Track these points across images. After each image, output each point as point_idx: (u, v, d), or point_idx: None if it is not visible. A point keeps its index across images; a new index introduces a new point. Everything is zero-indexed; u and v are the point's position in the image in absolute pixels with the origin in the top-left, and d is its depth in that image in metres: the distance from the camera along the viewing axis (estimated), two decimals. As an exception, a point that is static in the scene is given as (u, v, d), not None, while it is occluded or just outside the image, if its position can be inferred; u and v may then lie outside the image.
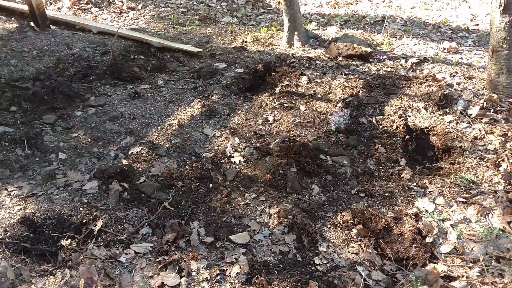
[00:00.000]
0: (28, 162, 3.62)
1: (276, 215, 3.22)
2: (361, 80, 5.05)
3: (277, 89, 4.90)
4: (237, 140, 4.09)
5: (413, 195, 3.54)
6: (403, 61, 5.57)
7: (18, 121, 4.09)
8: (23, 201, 3.20)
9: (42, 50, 5.59)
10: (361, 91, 4.81)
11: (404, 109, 4.55)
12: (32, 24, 6.37)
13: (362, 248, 3.00)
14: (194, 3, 8.03)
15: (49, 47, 5.69)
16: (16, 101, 4.36)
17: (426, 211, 3.37)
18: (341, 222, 3.22)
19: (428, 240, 3.07)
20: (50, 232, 3.00)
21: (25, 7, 6.58)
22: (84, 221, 3.06)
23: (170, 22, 7.07)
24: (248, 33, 6.64)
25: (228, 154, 3.90)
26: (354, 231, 3.13)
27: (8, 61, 5.19)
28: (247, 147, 3.99)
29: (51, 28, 6.36)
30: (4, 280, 2.58)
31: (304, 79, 5.10)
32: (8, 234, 2.89)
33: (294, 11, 5.97)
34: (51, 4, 7.42)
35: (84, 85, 4.84)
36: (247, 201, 3.38)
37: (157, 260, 2.79)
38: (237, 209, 3.30)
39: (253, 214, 3.25)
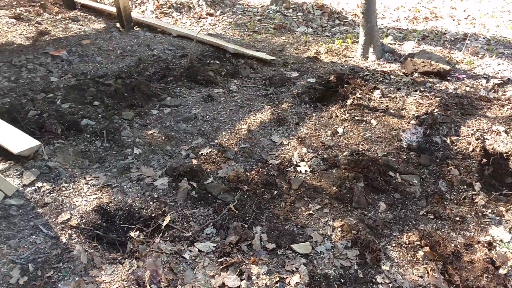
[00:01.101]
0: (106, 155, 3.84)
1: (339, 229, 3.18)
2: (437, 98, 4.88)
3: (349, 101, 4.85)
4: (304, 149, 4.09)
5: (487, 222, 3.36)
6: (484, 81, 5.31)
7: (100, 115, 4.35)
8: (99, 191, 3.39)
9: (125, 50, 5.91)
10: (436, 110, 4.64)
11: (482, 131, 4.33)
12: (118, 25, 6.75)
13: (428, 272, 2.89)
14: (271, 12, 8.14)
15: (131, 47, 6.00)
16: (99, 96, 4.64)
17: (501, 240, 3.18)
18: (407, 243, 3.12)
19: (501, 271, 2.89)
20: (121, 222, 3.14)
21: (113, 9, 7.00)
22: (153, 215, 3.19)
23: (246, 30, 7.22)
24: (322, 44, 6.63)
25: (295, 163, 3.91)
26: (421, 253, 3.01)
27: (94, 58, 5.54)
28: (314, 157, 3.98)
29: (134, 30, 6.72)
30: (77, 263, 2.75)
31: (377, 93, 5.01)
32: (83, 221, 3.07)
33: (371, 24, 5.89)
34: (136, 7, 7.83)
35: (162, 86, 5.06)
36: (311, 211, 3.36)
37: (219, 260, 2.85)
38: (300, 218, 3.29)
39: (316, 225, 3.23)
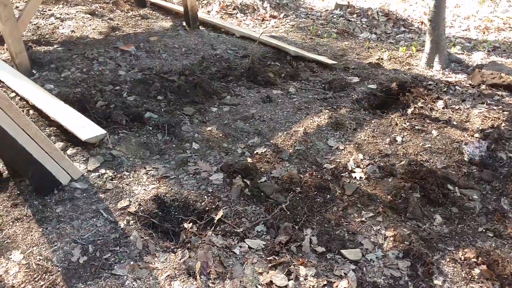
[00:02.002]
0: (166, 147, 3.98)
1: (391, 238, 3.12)
2: (505, 112, 4.65)
3: (410, 110, 4.73)
4: (360, 156, 4.04)
5: (552, 246, 3.17)
6: (559, 97, 5.00)
7: (162, 110, 4.52)
8: (157, 181, 3.52)
9: (190, 48, 6.10)
10: (503, 124, 4.43)
11: (553, 150, 4.09)
12: (184, 24, 6.98)
13: (483, 291, 2.77)
14: (334, 16, 8.09)
15: (196, 46, 6.18)
16: (163, 91, 4.82)
17: None
18: (463, 259, 3.01)
19: None
20: (176, 213, 3.25)
21: (180, 8, 7.24)
22: (207, 208, 3.27)
23: (309, 33, 7.23)
24: (385, 51, 6.51)
25: (350, 169, 3.87)
26: (477, 271, 2.90)
27: (160, 55, 5.76)
28: (370, 164, 3.92)
29: (199, 29, 6.91)
30: (133, 249, 2.88)
31: (440, 104, 4.85)
32: (141, 208, 3.21)
33: (439, 33, 5.71)
34: (202, 7, 8.05)
35: (222, 84, 5.17)
36: (363, 218, 3.32)
37: (268, 258, 2.88)
38: (352, 224, 3.26)
39: (367, 232, 3.19)
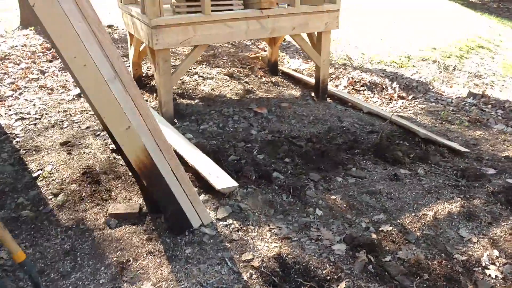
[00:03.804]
0: (290, 209, 4.03)
1: None
2: None
3: (556, 213, 4.28)
4: (496, 252, 3.70)
5: None
6: None
7: (289, 172, 4.62)
8: (280, 241, 3.54)
9: (317, 117, 6.26)
10: None
11: None
12: (312, 94, 7.22)
13: None
14: (466, 104, 7.82)
15: (323, 116, 6.33)
16: (290, 154, 4.96)
17: None
18: None
19: None
20: (296, 276, 3.21)
21: (309, 79, 7.56)
22: (328, 277, 3.19)
23: (438, 118, 7.05)
24: (524, 145, 6.08)
25: (483, 264, 3.55)
26: None
27: (289, 120, 5.99)
28: (508, 264, 3.56)
29: (327, 101, 7.09)
30: (253, 303, 2.88)
31: None
32: (264, 265, 3.23)
33: None
34: (331, 80, 8.31)
35: (348, 156, 5.18)
36: (499, 322, 2.99)
37: None
38: (486, 327, 2.94)
39: None
